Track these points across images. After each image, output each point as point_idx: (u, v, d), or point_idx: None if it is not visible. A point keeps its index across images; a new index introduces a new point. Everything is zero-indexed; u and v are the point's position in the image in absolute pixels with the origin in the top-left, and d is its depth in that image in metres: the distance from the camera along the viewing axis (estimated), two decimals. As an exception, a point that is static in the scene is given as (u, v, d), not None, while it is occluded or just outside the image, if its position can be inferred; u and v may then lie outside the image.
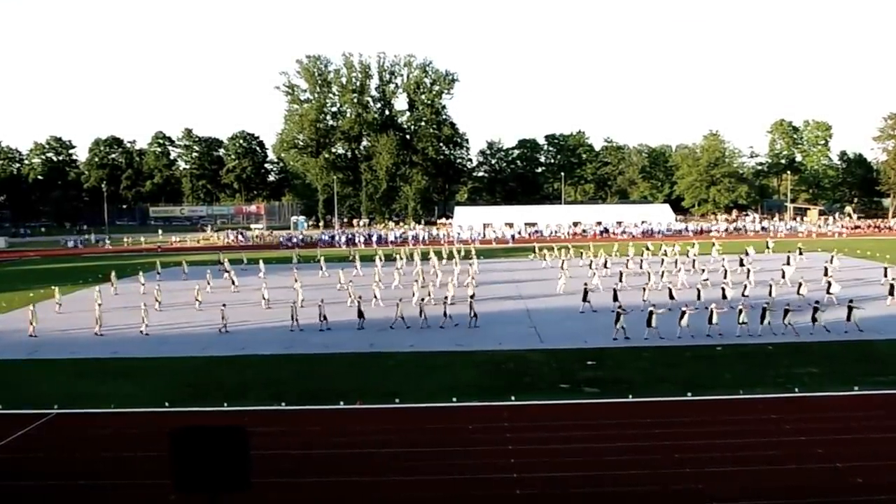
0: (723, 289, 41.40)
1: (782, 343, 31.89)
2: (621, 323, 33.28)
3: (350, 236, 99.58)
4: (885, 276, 45.74)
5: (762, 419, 22.40)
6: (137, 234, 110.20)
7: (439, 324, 36.83)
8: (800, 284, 41.50)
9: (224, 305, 38.80)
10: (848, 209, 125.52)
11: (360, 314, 37.62)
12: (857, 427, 21.65)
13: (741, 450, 19.95)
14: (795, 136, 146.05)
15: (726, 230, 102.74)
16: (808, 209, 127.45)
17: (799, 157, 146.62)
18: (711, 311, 33.68)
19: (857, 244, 77.65)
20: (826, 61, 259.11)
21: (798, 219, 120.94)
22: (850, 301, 34.51)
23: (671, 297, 40.20)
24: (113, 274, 55.50)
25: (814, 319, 33.42)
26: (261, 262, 60.87)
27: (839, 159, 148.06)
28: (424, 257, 63.68)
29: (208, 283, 48.61)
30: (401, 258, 61.05)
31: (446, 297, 39.96)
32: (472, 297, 39.34)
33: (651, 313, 33.31)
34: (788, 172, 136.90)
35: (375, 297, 43.12)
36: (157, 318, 41.27)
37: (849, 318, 33.53)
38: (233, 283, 52.43)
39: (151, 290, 48.16)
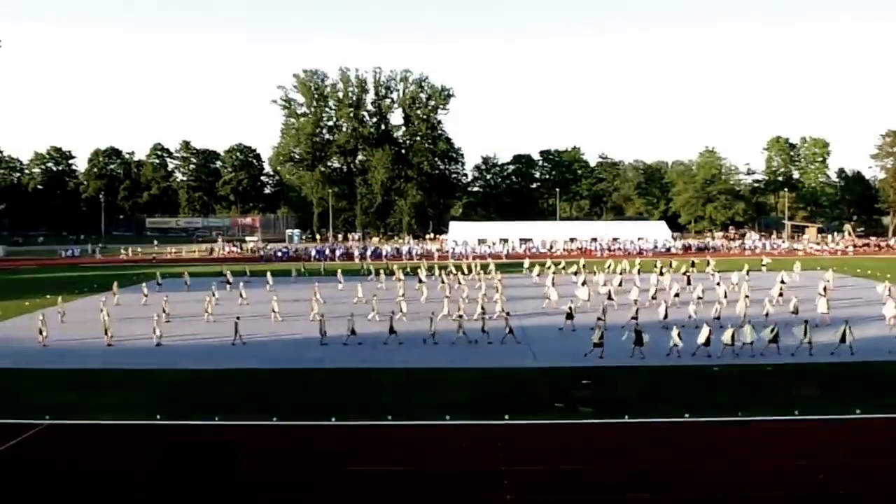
0: (717, 308, 40.86)
1: (781, 364, 31.45)
2: (597, 338, 32.89)
3: (344, 250, 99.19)
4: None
5: (761, 442, 21.99)
6: (134, 245, 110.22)
7: (475, 339, 36.49)
8: (795, 306, 41.32)
9: (238, 318, 38.57)
10: (847, 227, 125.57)
11: (392, 330, 36.98)
12: (859, 452, 21.23)
13: (740, 473, 19.52)
14: (792, 153, 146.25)
15: (753, 248, 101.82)
16: (807, 227, 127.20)
17: (796, 175, 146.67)
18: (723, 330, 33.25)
19: (858, 263, 77.30)
20: (824, 78, 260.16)
21: (796, 237, 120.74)
22: (846, 322, 34.15)
23: (665, 316, 39.97)
24: (115, 284, 55.31)
25: (806, 339, 32.91)
26: (268, 274, 60.72)
27: (837, 177, 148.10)
28: (445, 271, 63.40)
29: (213, 295, 48.14)
30: (424, 272, 61.12)
31: (483, 312, 39.77)
32: (507, 313, 39.01)
33: (639, 332, 32.94)
34: (786, 190, 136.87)
35: (401, 310, 42.42)
36: (144, 328, 40.91)
37: (843, 340, 33.07)
38: (241, 295, 51.95)
39: (154, 301, 48.49)
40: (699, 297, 45.88)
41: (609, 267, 63.87)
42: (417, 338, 37.02)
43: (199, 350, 36.43)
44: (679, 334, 32.66)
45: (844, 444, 21.86)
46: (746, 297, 45.08)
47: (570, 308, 40.80)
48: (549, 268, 62.71)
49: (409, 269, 66.44)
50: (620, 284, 52.77)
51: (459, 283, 55.31)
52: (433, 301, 47.84)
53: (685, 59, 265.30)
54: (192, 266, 77.55)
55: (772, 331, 33.05)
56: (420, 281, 56.28)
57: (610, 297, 45.96)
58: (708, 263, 65.84)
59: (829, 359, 32.31)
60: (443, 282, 56.35)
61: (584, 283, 51.97)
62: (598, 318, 39.04)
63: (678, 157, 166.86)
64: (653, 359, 32.27)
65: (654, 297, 47.44)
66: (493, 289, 50.79)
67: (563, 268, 65.95)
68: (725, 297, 46.02)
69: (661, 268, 61.24)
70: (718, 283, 50.20)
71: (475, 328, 37.47)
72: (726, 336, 32.94)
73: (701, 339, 32.78)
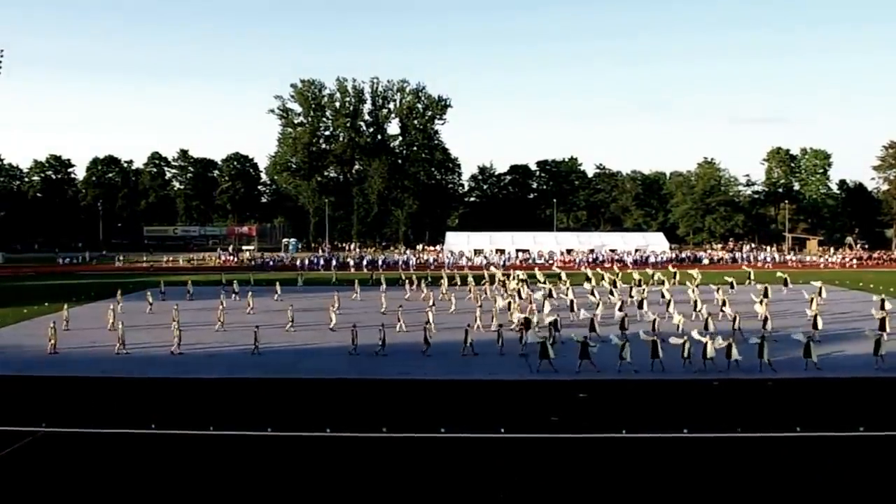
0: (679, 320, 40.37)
1: (783, 379, 30.96)
2: (550, 354, 32.76)
3: (339, 259, 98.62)
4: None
5: (761, 459, 21.43)
6: (132, 253, 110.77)
7: (518, 351, 36.18)
8: (765, 318, 41.00)
9: (257, 327, 38.43)
10: (849, 239, 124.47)
11: (427, 340, 36.60)
12: (862, 469, 20.69)
13: (739, 490, 19.07)
14: (793, 164, 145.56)
15: (773, 260, 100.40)
16: (808, 239, 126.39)
17: (797, 186, 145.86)
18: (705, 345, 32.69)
19: (860, 276, 76.95)
20: (826, 89, 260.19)
21: (796, 249, 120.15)
22: (809, 336, 33.60)
23: (623, 327, 39.86)
24: (119, 292, 55.68)
25: (760, 355, 32.22)
26: (277, 284, 60.75)
27: (839, 188, 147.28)
28: (465, 281, 62.93)
29: (221, 304, 47.80)
30: (446, 283, 60.94)
31: (521, 324, 39.46)
32: (550, 324, 38.55)
33: (585, 345, 32.70)
34: (786, 202, 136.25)
35: (429, 321, 41.25)
36: (149, 337, 41.38)
37: (807, 355, 32.50)
38: (248, 304, 51.89)
39: (159, 310, 50.15)
40: (666, 310, 45.61)
41: (591, 280, 63.15)
42: (444, 349, 36.86)
43: (193, 359, 36.15)
44: (626, 345, 32.67)
45: (847, 462, 21.30)
46: (723, 310, 45.12)
47: (527, 320, 40.53)
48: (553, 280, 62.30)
49: (429, 279, 66.03)
50: (593, 293, 51.89)
51: (486, 293, 54.83)
52: (461, 312, 48.20)
53: (683, 69, 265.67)
54: (193, 275, 76.94)
55: (729, 347, 32.36)
56: (443, 292, 56.27)
57: (573, 309, 45.97)
58: (696, 276, 65.12)
59: (832, 374, 31.87)
60: (470, 292, 56.43)
61: (549, 295, 51.42)
62: (556, 329, 39.00)
63: (677, 168, 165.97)
64: (648, 373, 31.89)
65: (620, 309, 46.74)
66: (526, 299, 50.25)
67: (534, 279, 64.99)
68: (695, 309, 45.73)
69: (639, 279, 60.82)
70: (694, 296, 49.15)
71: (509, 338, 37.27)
72: (683, 349, 32.69)
73: (651, 352, 32.44)
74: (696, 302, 47.02)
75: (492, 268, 76.13)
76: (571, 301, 47.84)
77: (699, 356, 32.37)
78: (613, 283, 59.42)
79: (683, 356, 32.57)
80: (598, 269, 73.67)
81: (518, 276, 63.13)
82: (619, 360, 32.24)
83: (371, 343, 36.66)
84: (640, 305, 46.97)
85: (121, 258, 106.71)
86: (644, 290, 52.01)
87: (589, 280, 62.26)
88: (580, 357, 32.43)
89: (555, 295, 52.80)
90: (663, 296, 50.84)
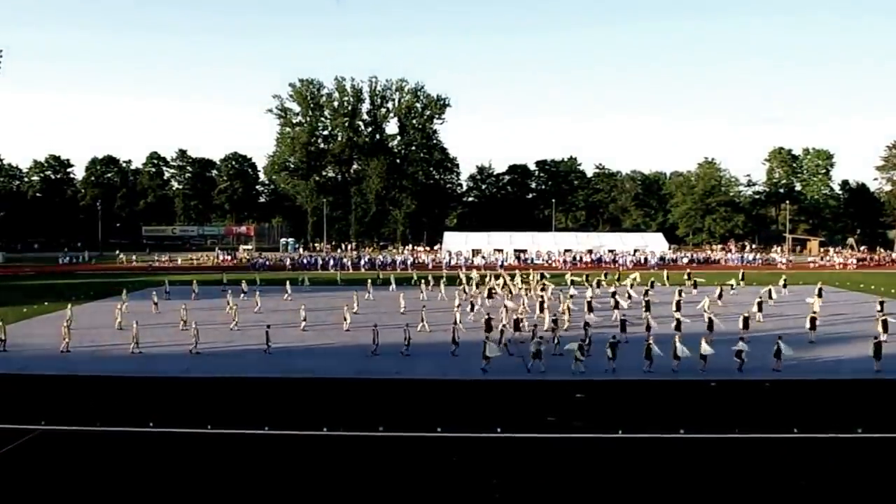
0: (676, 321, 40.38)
1: (780, 380, 30.80)
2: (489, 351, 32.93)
3: (336, 259, 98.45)
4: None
5: (759, 460, 21.26)
6: (133, 253, 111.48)
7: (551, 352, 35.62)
8: (745, 319, 40.66)
9: (269, 326, 38.47)
10: (850, 240, 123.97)
11: (454, 340, 36.47)
12: (860, 471, 20.52)
13: (736, 492, 18.92)
14: (794, 164, 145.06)
15: (788, 262, 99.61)
16: (809, 240, 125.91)
17: (798, 187, 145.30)
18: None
19: (862, 278, 76.65)
20: (829, 89, 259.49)
21: (797, 250, 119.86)
22: (780, 338, 33.32)
23: (584, 327, 39.19)
24: (125, 291, 56.10)
25: (739, 357, 32.26)
26: (287, 283, 61.03)
27: (841, 189, 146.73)
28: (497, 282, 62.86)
29: (229, 304, 47.98)
30: (465, 283, 60.70)
31: (555, 326, 39.29)
32: (586, 324, 38.45)
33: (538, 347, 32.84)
34: (787, 202, 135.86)
35: (457, 322, 40.61)
36: (152, 336, 41.13)
37: (777, 356, 32.43)
38: (256, 303, 52.21)
39: (164, 309, 50.40)
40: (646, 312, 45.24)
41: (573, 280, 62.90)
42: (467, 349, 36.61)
43: (192, 358, 36.17)
44: (581, 349, 32.73)
45: (845, 464, 21.15)
46: (705, 310, 44.75)
47: (518, 320, 40.76)
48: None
49: (445, 279, 65.75)
50: (571, 297, 51.57)
51: (510, 294, 54.59)
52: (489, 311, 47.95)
53: (684, 69, 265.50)
54: (193, 275, 76.87)
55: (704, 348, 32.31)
56: (464, 291, 56.59)
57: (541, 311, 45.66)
58: (689, 276, 64.79)
59: (832, 375, 31.73)
60: (493, 292, 56.60)
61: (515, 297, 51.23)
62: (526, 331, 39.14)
63: (677, 168, 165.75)
64: (648, 373, 31.78)
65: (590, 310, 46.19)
66: (556, 299, 49.96)
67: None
68: (679, 309, 45.42)
69: (621, 280, 60.62)
70: (679, 297, 48.86)
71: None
72: (649, 350, 32.56)
73: (609, 353, 32.41)
74: (678, 303, 46.81)
75: (498, 269, 75.90)
76: (541, 303, 47.25)
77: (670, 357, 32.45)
78: (598, 284, 59.56)
79: (649, 358, 32.41)
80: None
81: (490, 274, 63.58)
82: (574, 363, 32.31)
83: (390, 343, 36.90)
84: (617, 306, 47.18)
85: (134, 257, 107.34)
86: (627, 291, 52.05)
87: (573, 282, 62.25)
88: (533, 357, 32.82)
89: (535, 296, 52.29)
90: (646, 296, 50.74)
